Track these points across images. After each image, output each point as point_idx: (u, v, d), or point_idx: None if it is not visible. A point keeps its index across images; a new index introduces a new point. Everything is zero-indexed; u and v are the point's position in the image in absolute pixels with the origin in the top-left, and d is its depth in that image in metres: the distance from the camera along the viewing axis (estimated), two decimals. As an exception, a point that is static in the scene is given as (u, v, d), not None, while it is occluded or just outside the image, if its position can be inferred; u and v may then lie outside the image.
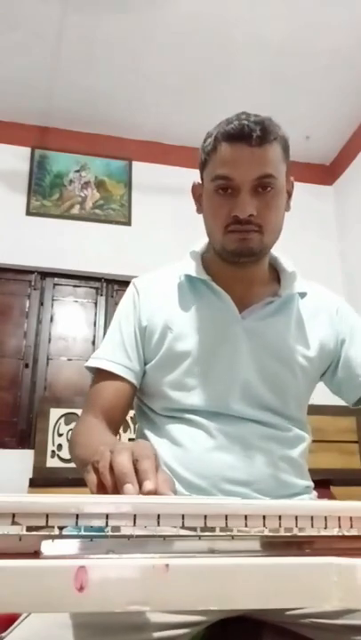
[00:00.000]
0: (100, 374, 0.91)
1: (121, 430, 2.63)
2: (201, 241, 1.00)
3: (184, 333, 0.90)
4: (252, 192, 0.83)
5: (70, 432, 2.69)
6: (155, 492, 0.49)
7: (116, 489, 0.50)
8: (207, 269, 0.94)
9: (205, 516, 0.39)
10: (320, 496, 0.95)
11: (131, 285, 0.99)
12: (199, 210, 0.94)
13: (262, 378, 0.89)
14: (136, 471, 0.51)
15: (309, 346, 0.92)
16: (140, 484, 0.49)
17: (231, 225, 0.84)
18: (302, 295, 0.96)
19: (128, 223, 3.53)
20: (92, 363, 0.92)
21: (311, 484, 0.92)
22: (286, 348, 0.90)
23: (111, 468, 0.52)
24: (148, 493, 0.48)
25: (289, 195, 0.91)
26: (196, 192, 0.95)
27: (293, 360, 0.90)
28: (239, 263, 0.88)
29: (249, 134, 0.81)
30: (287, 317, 0.93)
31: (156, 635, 0.58)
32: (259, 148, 0.82)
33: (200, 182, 0.93)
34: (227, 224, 0.85)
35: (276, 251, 0.97)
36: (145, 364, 0.93)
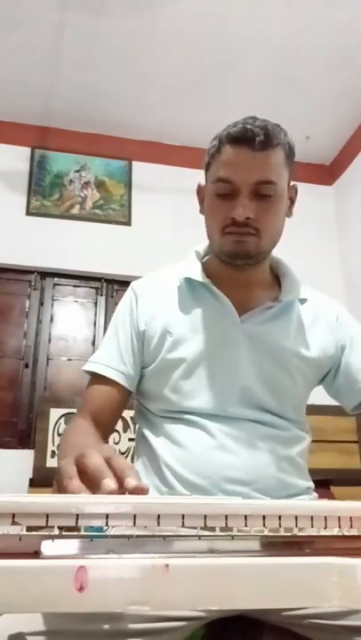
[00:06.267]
0: (95, 378, 0.92)
1: (121, 430, 2.63)
2: (202, 243, 1.00)
3: (184, 337, 0.90)
4: (251, 196, 0.83)
5: (70, 432, 2.71)
6: (139, 489, 0.48)
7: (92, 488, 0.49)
8: (207, 272, 0.94)
9: (205, 516, 0.39)
10: (320, 496, 0.95)
11: (129, 289, 0.99)
12: (202, 211, 0.94)
13: (261, 382, 0.89)
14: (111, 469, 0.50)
15: (308, 350, 0.92)
16: (120, 482, 0.48)
17: (228, 227, 0.85)
18: (302, 301, 0.96)
19: (128, 223, 3.53)
20: (88, 367, 0.93)
21: (312, 484, 0.92)
22: (285, 353, 0.90)
23: (84, 472, 0.50)
24: (133, 491, 0.47)
25: (292, 201, 0.92)
26: (201, 193, 0.94)
27: (292, 364, 0.91)
28: (236, 265, 0.88)
29: (252, 138, 0.81)
30: (287, 322, 0.93)
31: (154, 626, 0.58)
32: (260, 153, 0.81)
33: (205, 184, 0.93)
34: (224, 226, 0.85)
35: (278, 255, 0.98)
36: (144, 367, 0.93)
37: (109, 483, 0.47)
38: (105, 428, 0.90)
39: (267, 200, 0.84)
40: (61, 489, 0.49)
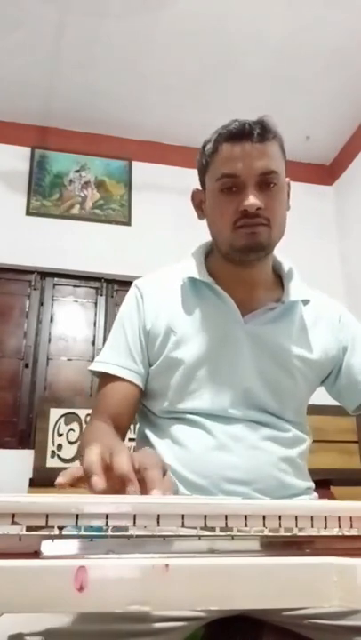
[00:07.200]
0: (107, 378, 0.91)
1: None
2: (203, 243, 1.00)
3: (187, 336, 0.89)
4: (257, 187, 0.84)
5: (70, 432, 2.71)
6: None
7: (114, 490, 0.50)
8: (209, 272, 0.94)
9: (205, 516, 0.38)
10: (320, 496, 0.95)
11: (133, 287, 0.98)
12: (201, 216, 0.94)
13: (263, 383, 0.89)
14: (142, 479, 0.50)
15: (311, 352, 0.92)
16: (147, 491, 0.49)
17: (240, 220, 0.85)
18: (305, 302, 0.96)
19: (128, 223, 3.53)
20: (98, 367, 0.92)
21: (312, 485, 0.92)
22: (287, 354, 0.90)
23: (110, 469, 0.51)
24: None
25: (287, 194, 0.92)
26: (197, 198, 0.94)
27: (294, 366, 0.91)
28: (247, 261, 0.88)
29: (250, 132, 0.83)
30: (289, 324, 0.93)
31: (154, 626, 0.58)
32: (260, 145, 0.83)
33: (199, 189, 0.93)
34: (235, 220, 0.85)
35: (279, 255, 0.98)
36: (149, 366, 0.92)
37: (131, 489, 0.48)
38: (123, 430, 0.88)
39: (272, 190, 0.85)
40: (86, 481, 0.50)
